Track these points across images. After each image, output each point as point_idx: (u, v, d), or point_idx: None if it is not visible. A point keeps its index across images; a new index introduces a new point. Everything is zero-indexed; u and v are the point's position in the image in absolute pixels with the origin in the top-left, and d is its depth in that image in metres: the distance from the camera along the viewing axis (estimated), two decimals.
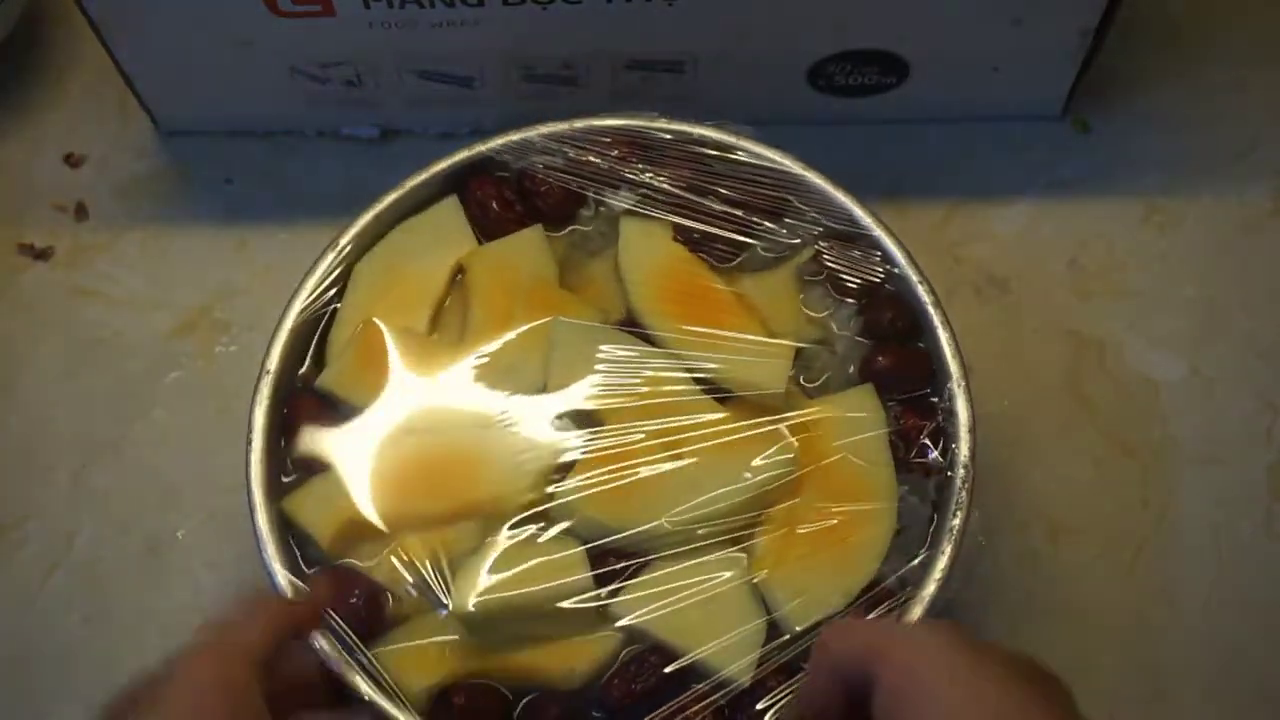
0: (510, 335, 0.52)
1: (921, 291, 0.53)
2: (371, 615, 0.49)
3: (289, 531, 0.50)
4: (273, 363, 0.51)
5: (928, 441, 0.51)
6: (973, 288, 0.65)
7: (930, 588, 0.48)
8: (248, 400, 0.52)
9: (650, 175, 0.55)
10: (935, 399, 0.52)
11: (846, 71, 0.64)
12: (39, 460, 0.62)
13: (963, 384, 0.51)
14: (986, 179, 0.67)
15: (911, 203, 0.66)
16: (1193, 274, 0.65)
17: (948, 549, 0.49)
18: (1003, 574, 0.59)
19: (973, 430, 0.51)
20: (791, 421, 0.51)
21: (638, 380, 0.51)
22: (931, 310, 0.53)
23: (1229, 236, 0.66)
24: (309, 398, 0.52)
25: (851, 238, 0.54)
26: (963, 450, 0.51)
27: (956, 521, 0.49)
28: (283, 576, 0.48)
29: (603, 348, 0.51)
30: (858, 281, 0.54)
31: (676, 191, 0.55)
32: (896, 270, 0.54)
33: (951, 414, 0.51)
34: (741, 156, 0.55)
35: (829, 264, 0.54)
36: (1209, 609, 0.59)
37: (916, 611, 0.48)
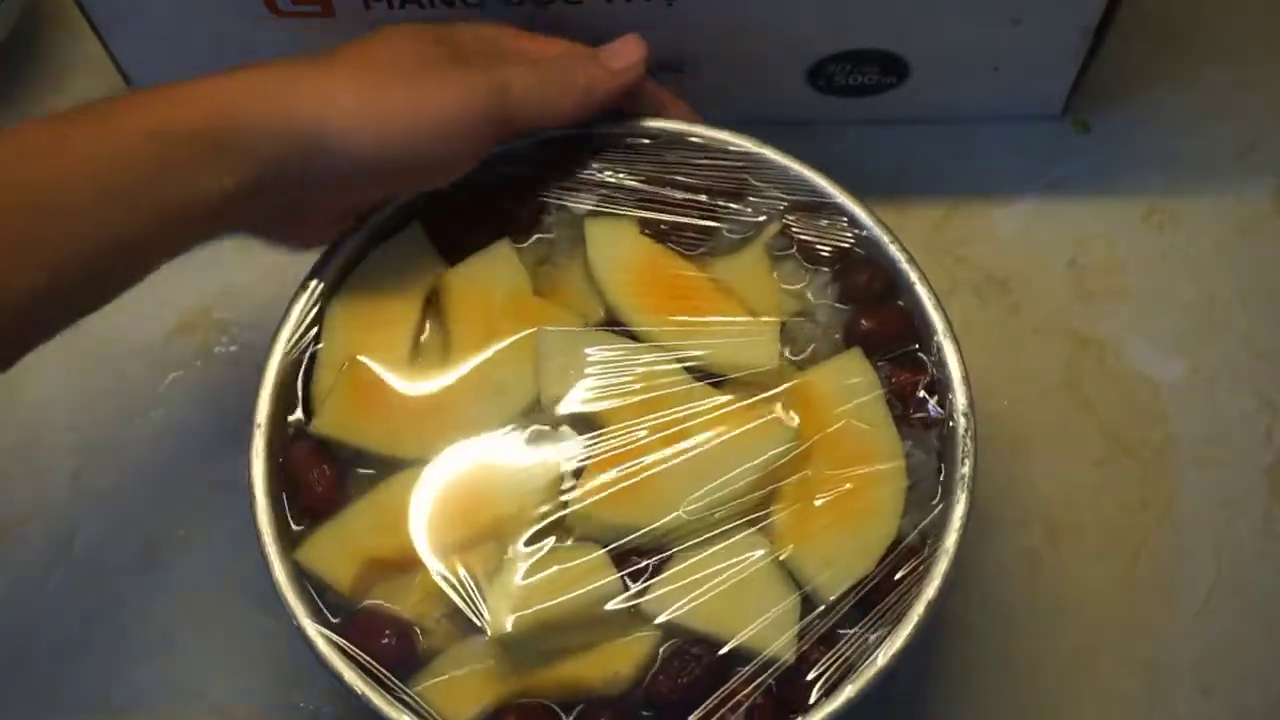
0: (494, 352, 0.52)
1: (893, 250, 0.53)
2: (405, 653, 0.48)
3: (307, 580, 0.49)
4: (262, 415, 0.50)
5: (924, 395, 0.52)
6: (972, 288, 0.65)
7: (952, 538, 0.49)
8: (248, 400, 0.52)
9: (608, 174, 0.55)
10: (924, 354, 0.52)
11: (846, 71, 0.64)
12: (39, 460, 0.62)
13: (949, 336, 0.52)
14: (986, 179, 0.67)
15: (911, 203, 0.66)
16: (1193, 274, 0.65)
17: (962, 496, 0.49)
18: (1003, 573, 0.59)
19: (966, 379, 0.51)
20: (787, 396, 0.51)
21: (630, 378, 0.51)
22: (906, 267, 0.53)
23: (1229, 236, 0.66)
24: (305, 444, 0.51)
25: (816, 207, 0.55)
26: (959, 400, 0.51)
27: (965, 469, 0.50)
28: (311, 629, 0.48)
29: (590, 351, 0.51)
30: (828, 249, 0.54)
31: (636, 186, 0.55)
32: (865, 233, 0.54)
33: (942, 365, 0.52)
34: (696, 141, 0.55)
35: (797, 235, 0.54)
36: (1209, 608, 0.59)
37: (942, 565, 0.48)
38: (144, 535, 0.60)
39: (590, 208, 0.55)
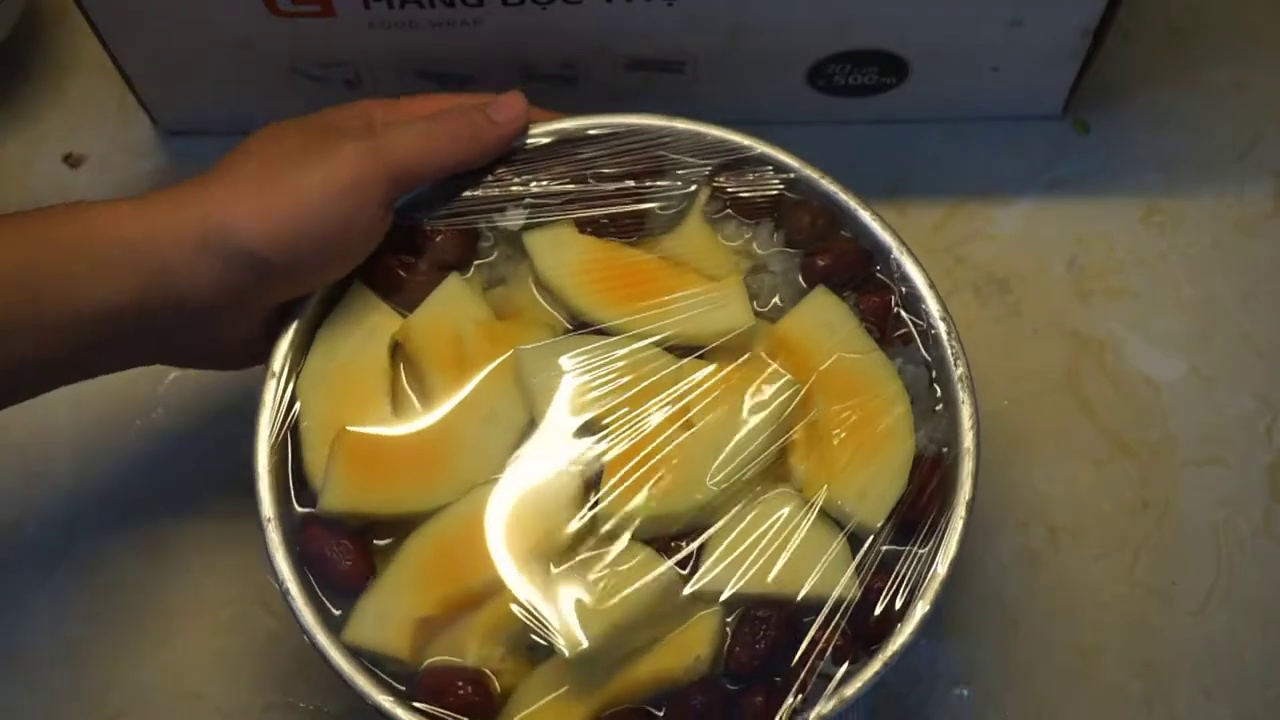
0: (475, 385, 0.52)
1: (826, 184, 0.54)
2: (484, 700, 0.48)
3: (362, 659, 0.48)
4: (268, 509, 0.50)
5: (898, 311, 0.53)
6: (972, 288, 0.65)
7: (968, 437, 0.50)
8: (249, 400, 0.51)
9: (530, 184, 0.55)
10: (884, 275, 0.53)
11: (846, 71, 0.64)
12: (39, 460, 0.62)
13: (904, 250, 0.53)
14: (986, 179, 0.67)
15: (911, 203, 0.66)
16: (1192, 274, 0.65)
17: (965, 396, 0.51)
18: (1002, 573, 0.59)
19: (933, 287, 0.52)
20: (771, 349, 0.52)
21: (616, 372, 0.51)
22: (844, 197, 0.54)
23: (1229, 236, 0.66)
24: (316, 526, 0.50)
25: (739, 164, 0.55)
26: (933, 307, 0.52)
27: (960, 369, 0.51)
28: (387, 703, 0.47)
29: (569, 358, 0.51)
30: (763, 199, 0.55)
31: (560, 189, 0.55)
32: (793, 175, 0.55)
33: (906, 279, 0.53)
34: (601, 131, 0.56)
35: (730, 195, 0.55)
36: (1208, 608, 0.59)
37: (968, 465, 0.50)
38: (144, 535, 0.60)
39: (522, 221, 0.55)
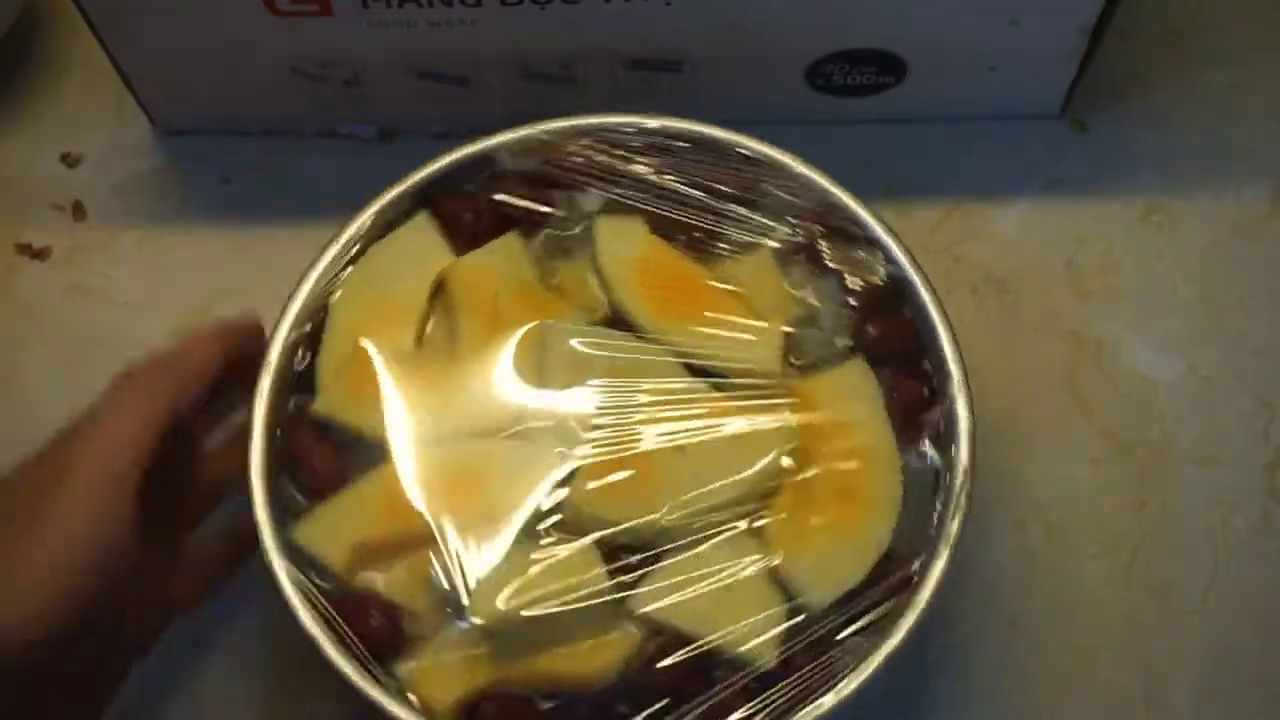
0: (499, 343, 0.52)
1: (897, 251, 0.53)
2: (392, 635, 0.49)
3: (302, 559, 0.49)
4: (263, 392, 0.51)
5: (926, 406, 0.52)
6: (970, 287, 0.65)
7: (942, 558, 0.49)
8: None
9: (618, 171, 0.55)
10: (929, 366, 0.52)
11: (845, 71, 0.64)
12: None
13: (954, 348, 0.52)
14: (984, 179, 0.67)
15: (910, 203, 0.66)
16: (1191, 274, 0.65)
17: (957, 515, 0.49)
18: (1000, 573, 0.59)
19: (967, 384, 0.51)
20: (789, 401, 0.51)
21: (632, 375, 0.51)
22: (913, 275, 0.53)
23: (1227, 236, 0.66)
24: (306, 428, 0.51)
25: (828, 217, 0.55)
26: (961, 413, 0.51)
27: (959, 480, 0.50)
28: (298, 601, 0.48)
29: (593, 346, 0.51)
30: (841, 264, 0.54)
31: (646, 184, 0.55)
32: (895, 269, 0.54)
33: (945, 374, 0.52)
34: (712, 141, 0.55)
35: (813, 245, 0.54)
36: (1206, 608, 0.59)
37: (928, 590, 0.48)
38: None
39: (601, 204, 0.55)
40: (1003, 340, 0.64)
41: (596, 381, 0.51)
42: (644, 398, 0.51)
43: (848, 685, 0.47)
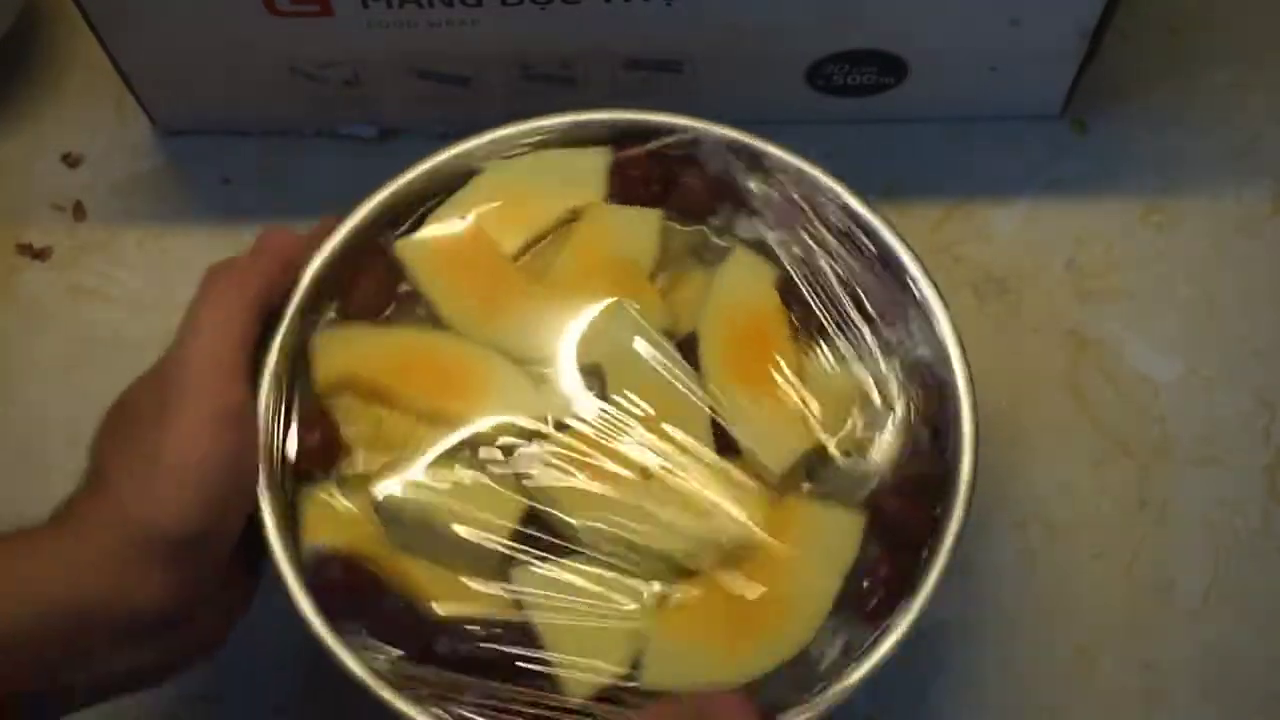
0: (578, 295, 0.52)
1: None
2: (324, 461, 0.50)
3: (300, 364, 0.51)
4: (362, 211, 0.53)
5: (884, 593, 0.49)
6: (971, 287, 0.65)
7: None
8: None
9: (792, 221, 0.54)
10: (926, 556, 0.49)
11: (845, 71, 0.64)
12: (38, 460, 0.62)
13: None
14: (985, 179, 0.67)
15: (910, 202, 0.66)
16: (1191, 274, 0.65)
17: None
18: (1000, 574, 0.59)
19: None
20: (763, 514, 0.49)
21: (660, 392, 0.50)
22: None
23: (1227, 236, 0.66)
24: (381, 258, 0.53)
25: (934, 392, 0.52)
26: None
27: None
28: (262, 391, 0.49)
29: (647, 350, 0.51)
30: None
31: (808, 250, 0.53)
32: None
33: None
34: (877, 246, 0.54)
35: (906, 408, 0.52)
36: (1207, 608, 0.59)
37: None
38: None
39: (751, 238, 0.54)
40: (1003, 340, 0.64)
41: (625, 377, 0.50)
42: (653, 415, 0.50)
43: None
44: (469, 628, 0.48)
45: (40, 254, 0.66)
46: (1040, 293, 0.65)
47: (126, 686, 0.48)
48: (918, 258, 0.53)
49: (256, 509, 0.48)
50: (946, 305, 0.52)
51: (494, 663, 0.47)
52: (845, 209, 0.54)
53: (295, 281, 0.51)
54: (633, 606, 0.48)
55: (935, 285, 0.53)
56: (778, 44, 0.62)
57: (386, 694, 0.46)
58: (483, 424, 0.50)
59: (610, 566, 0.48)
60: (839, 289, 0.53)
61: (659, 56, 0.63)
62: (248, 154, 0.68)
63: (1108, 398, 0.63)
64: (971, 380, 0.51)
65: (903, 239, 0.53)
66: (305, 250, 0.52)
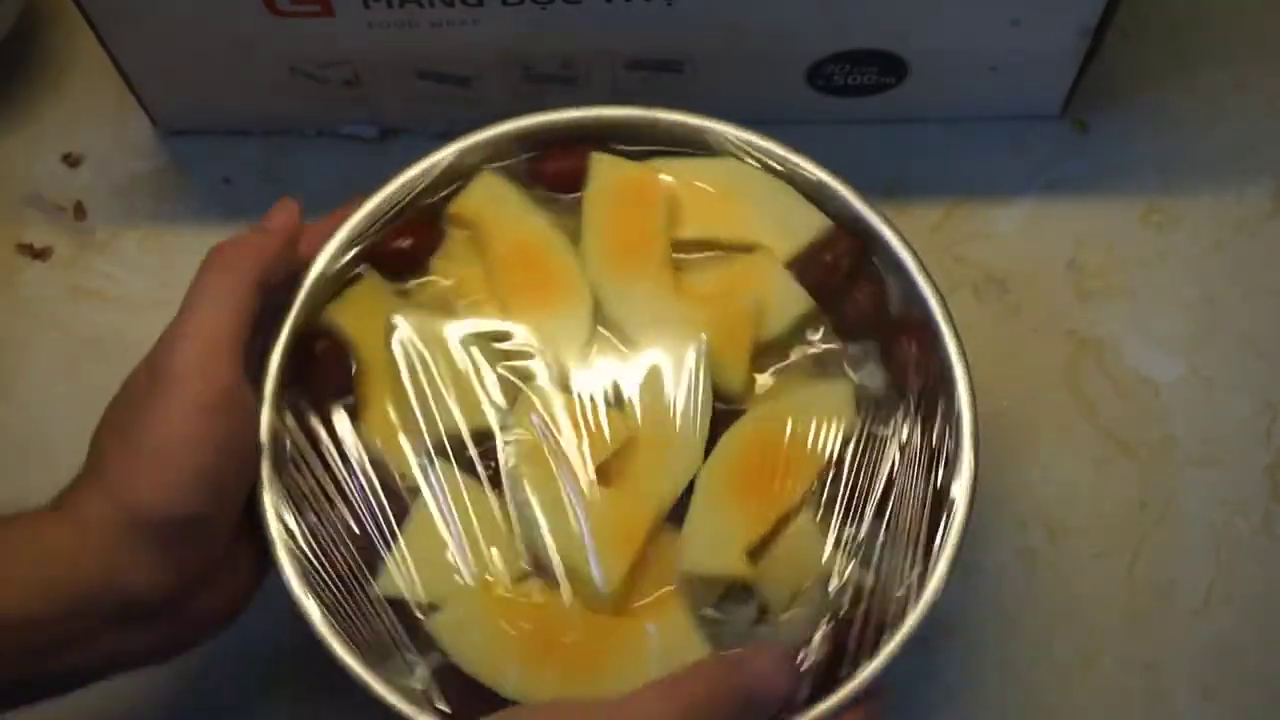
0: (630, 275, 0.53)
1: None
2: (403, 266, 0.54)
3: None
4: (449, 149, 0.55)
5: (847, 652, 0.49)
6: (971, 287, 0.65)
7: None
8: None
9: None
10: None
11: (845, 71, 0.64)
12: (38, 460, 0.62)
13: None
14: (985, 179, 0.67)
15: (910, 203, 0.66)
16: (1192, 274, 0.65)
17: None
18: (1001, 574, 0.59)
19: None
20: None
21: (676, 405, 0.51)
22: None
23: (1228, 236, 0.66)
24: (427, 217, 0.55)
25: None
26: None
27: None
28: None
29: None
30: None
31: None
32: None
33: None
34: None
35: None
36: (1208, 608, 0.59)
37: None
38: None
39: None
40: (1004, 341, 0.64)
41: (640, 376, 0.51)
42: (647, 430, 0.50)
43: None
44: None
45: (40, 254, 0.67)
46: (1041, 292, 0.65)
47: (128, 665, 0.48)
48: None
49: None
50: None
51: None
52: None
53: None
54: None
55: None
56: (778, 44, 0.62)
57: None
58: (522, 338, 0.52)
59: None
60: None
61: (659, 57, 0.63)
62: (248, 154, 0.68)
63: (1108, 398, 0.63)
64: (972, 380, 0.51)
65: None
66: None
